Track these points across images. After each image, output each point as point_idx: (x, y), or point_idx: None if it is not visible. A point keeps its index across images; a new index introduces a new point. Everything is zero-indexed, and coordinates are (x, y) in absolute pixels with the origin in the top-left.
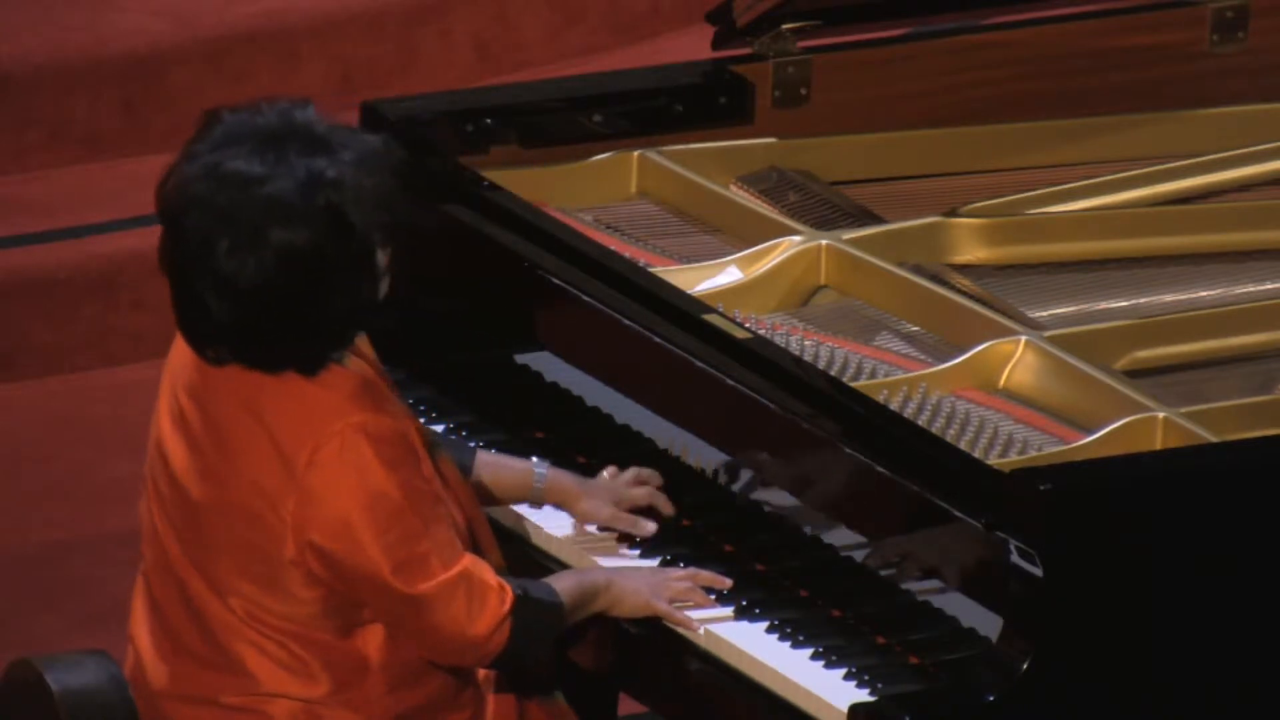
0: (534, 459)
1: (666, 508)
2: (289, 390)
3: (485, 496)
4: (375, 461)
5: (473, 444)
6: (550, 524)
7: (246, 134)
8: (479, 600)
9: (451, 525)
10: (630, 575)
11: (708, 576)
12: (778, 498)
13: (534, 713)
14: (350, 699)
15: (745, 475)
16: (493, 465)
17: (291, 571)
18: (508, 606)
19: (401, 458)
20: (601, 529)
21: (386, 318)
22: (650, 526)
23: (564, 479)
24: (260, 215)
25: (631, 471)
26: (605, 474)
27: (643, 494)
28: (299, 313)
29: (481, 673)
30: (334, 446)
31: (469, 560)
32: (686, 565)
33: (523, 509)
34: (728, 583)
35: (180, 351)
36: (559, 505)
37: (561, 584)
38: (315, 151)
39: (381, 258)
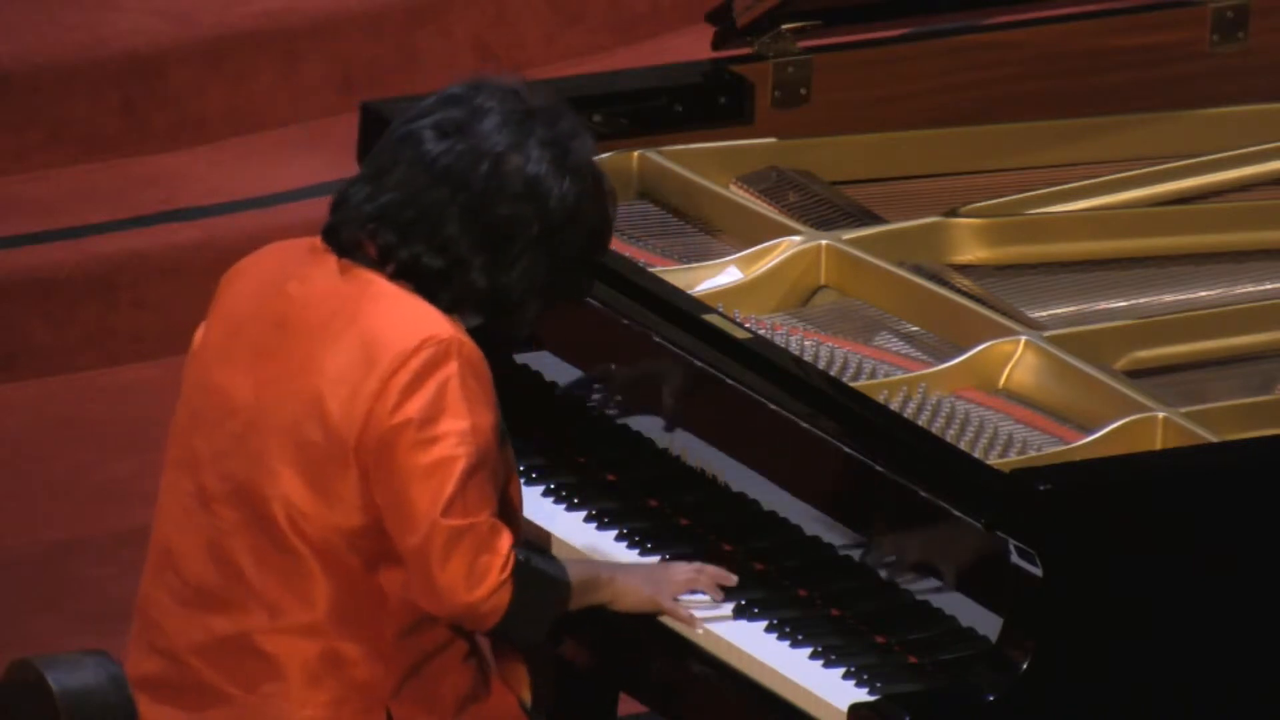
0: None
1: None
2: (396, 300)
3: None
4: (455, 382)
5: None
6: (558, 526)
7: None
8: (484, 563)
9: (496, 486)
10: (634, 571)
11: (714, 571)
12: (778, 497)
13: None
14: (366, 637)
15: (746, 476)
16: None
17: (346, 469)
18: (507, 573)
19: (479, 392)
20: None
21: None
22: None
23: None
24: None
25: None
26: None
27: None
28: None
29: (485, 642)
30: (427, 354)
31: (491, 520)
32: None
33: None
34: (733, 579)
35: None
36: None
37: (567, 568)
38: None
39: None
